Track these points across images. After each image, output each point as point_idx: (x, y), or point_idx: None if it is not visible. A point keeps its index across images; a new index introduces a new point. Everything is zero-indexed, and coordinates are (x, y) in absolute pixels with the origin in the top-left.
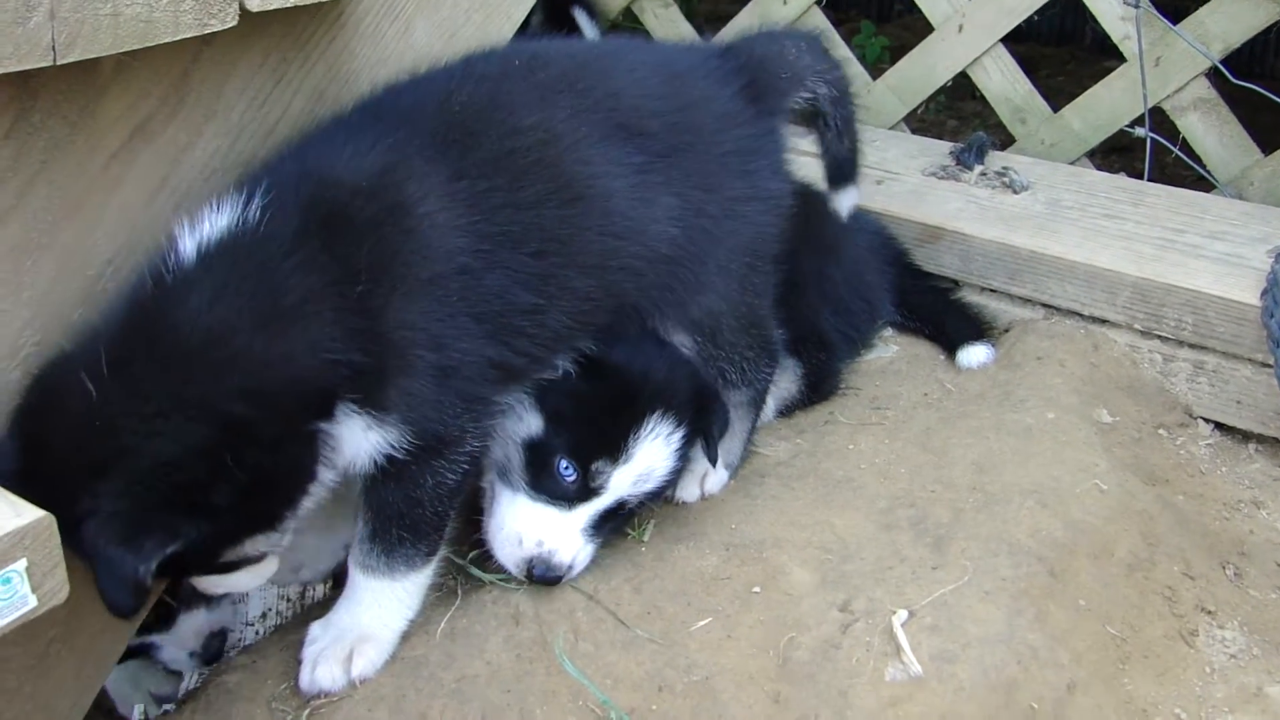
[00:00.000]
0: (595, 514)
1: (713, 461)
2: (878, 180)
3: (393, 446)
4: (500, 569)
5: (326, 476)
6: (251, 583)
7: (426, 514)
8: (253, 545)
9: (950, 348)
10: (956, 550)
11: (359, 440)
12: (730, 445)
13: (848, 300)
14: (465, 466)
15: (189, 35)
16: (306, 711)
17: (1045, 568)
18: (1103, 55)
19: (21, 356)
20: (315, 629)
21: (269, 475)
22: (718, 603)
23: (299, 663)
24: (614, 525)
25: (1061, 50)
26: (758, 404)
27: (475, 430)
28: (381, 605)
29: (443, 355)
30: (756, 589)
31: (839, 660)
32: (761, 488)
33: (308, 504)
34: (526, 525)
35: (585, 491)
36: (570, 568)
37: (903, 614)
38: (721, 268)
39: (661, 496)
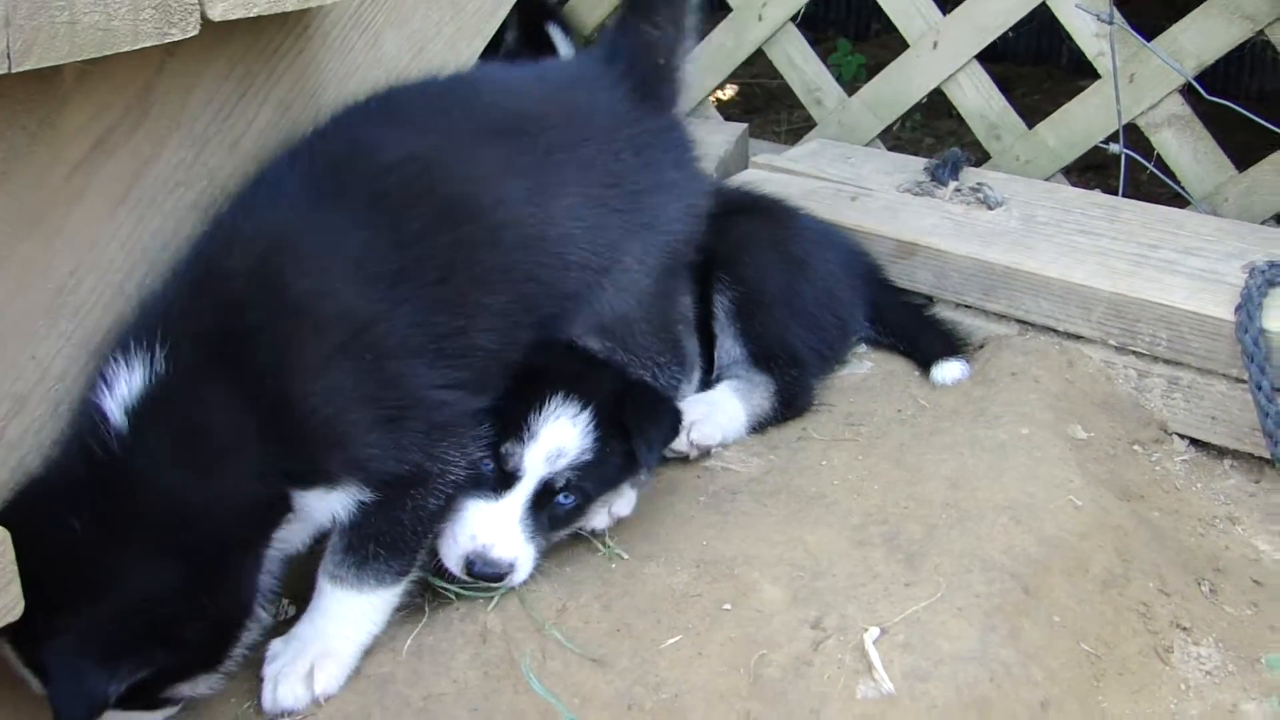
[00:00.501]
0: (525, 501)
1: (641, 460)
2: (852, 196)
3: (356, 500)
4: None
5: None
6: None
7: (406, 534)
8: (191, 686)
9: (925, 364)
10: (930, 567)
11: (319, 505)
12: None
13: (819, 316)
14: (449, 491)
15: (149, 44)
16: None
17: (1019, 584)
18: (1079, 75)
19: None
20: (276, 645)
21: (227, 609)
22: (688, 620)
23: (260, 680)
24: (554, 520)
25: (1038, 70)
26: None
27: (456, 457)
28: (345, 617)
29: (379, 407)
30: (727, 606)
31: (810, 678)
32: (733, 504)
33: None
34: (459, 521)
35: (505, 478)
36: (512, 566)
37: (875, 631)
38: (635, 266)
39: (594, 489)
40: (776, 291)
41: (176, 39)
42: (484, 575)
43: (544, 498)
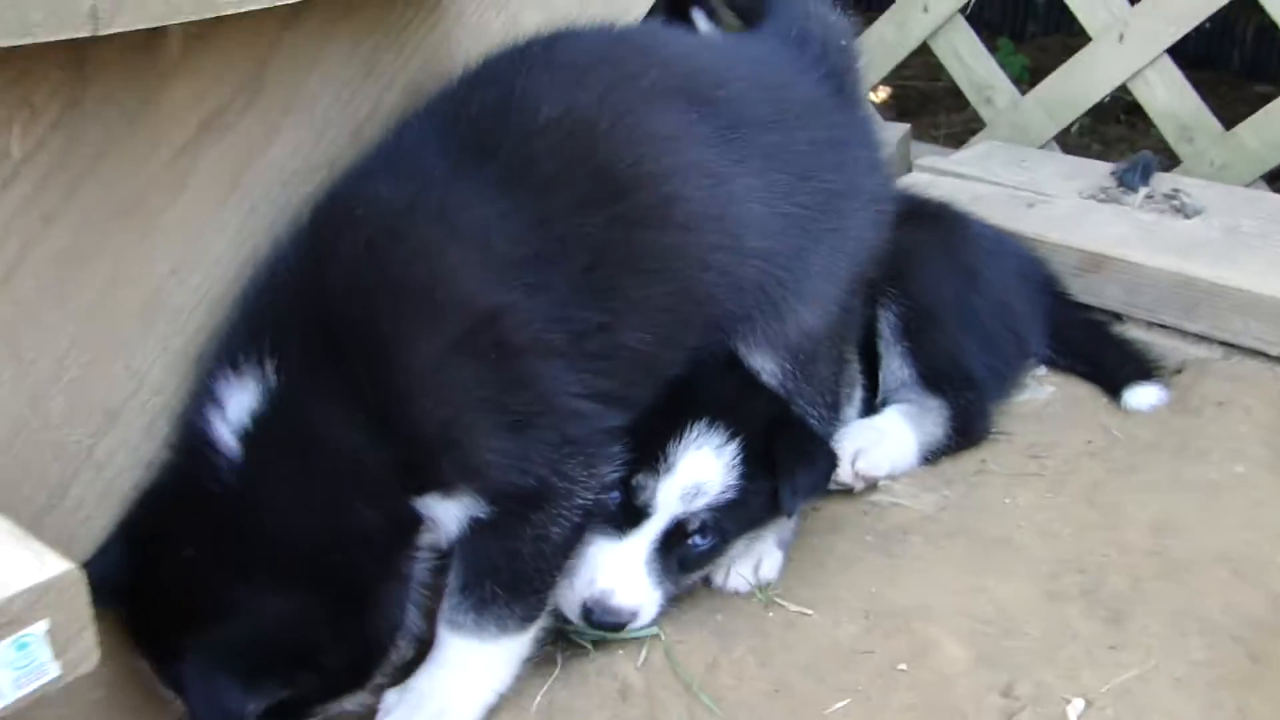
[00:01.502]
0: (653, 541)
1: (785, 506)
2: (1028, 203)
3: (471, 516)
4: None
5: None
6: None
7: (526, 569)
8: (337, 704)
9: (1113, 388)
10: (1137, 627)
11: (437, 510)
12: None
13: (994, 332)
14: (575, 519)
15: (258, 7)
16: None
17: (1244, 650)
18: (1253, 79)
19: (66, 380)
20: (390, 696)
21: (369, 632)
22: (858, 680)
23: None
24: (684, 564)
25: (1206, 74)
26: None
27: (586, 477)
28: (466, 671)
29: (504, 412)
30: (902, 666)
31: None
32: (904, 546)
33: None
34: (579, 562)
35: (633, 513)
36: (634, 614)
37: (1078, 704)
38: (823, 273)
39: (734, 530)
40: (948, 305)
41: (290, 1)
42: (604, 624)
43: (675, 538)
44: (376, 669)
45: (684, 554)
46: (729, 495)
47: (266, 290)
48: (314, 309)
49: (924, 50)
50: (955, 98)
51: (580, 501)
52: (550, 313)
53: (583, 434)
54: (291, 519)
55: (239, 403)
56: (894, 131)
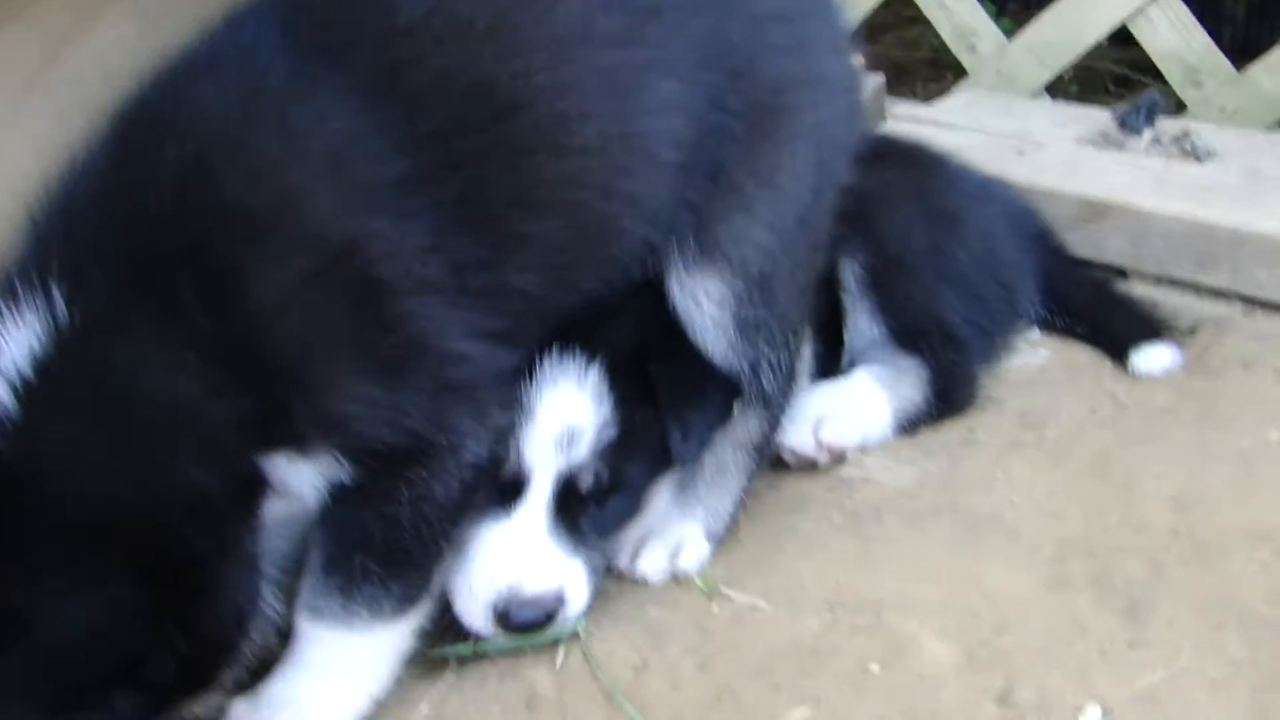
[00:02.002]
0: (547, 509)
1: (676, 452)
2: (1018, 150)
3: (332, 480)
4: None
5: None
6: None
7: (405, 539)
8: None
9: (1118, 350)
10: (1161, 620)
11: (289, 474)
12: (716, 501)
13: (978, 283)
14: (465, 477)
15: None
16: None
17: None
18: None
19: None
20: (239, 707)
21: (208, 627)
22: (819, 687)
23: None
24: (602, 525)
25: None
26: (763, 448)
27: (474, 428)
28: (331, 669)
29: (365, 354)
30: (874, 667)
31: None
32: (878, 527)
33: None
34: (471, 561)
35: (510, 486)
36: (558, 597)
37: (1093, 712)
38: (774, 180)
39: (641, 474)
40: (921, 252)
41: None
42: (526, 623)
43: (572, 500)
44: (222, 669)
45: (593, 516)
46: (612, 431)
47: (59, 211)
48: (124, 232)
49: (900, 21)
50: (932, 68)
51: (470, 458)
52: (421, 243)
53: (467, 378)
54: (87, 493)
55: (16, 345)
56: (867, 82)
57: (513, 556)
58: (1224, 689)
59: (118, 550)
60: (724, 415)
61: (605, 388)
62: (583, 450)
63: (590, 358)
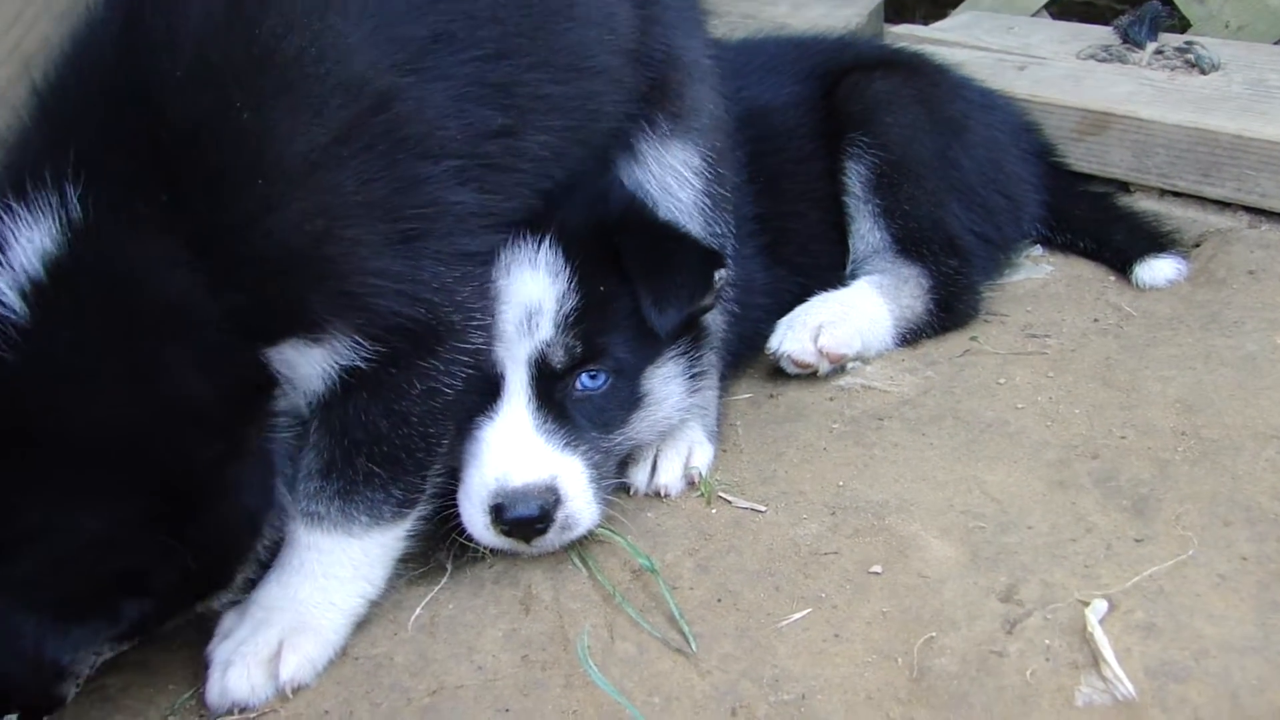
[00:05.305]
0: (526, 398)
1: (652, 323)
2: (1019, 66)
3: (346, 366)
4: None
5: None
6: None
7: (413, 437)
8: (205, 606)
9: (1122, 264)
10: (1169, 516)
11: (298, 362)
12: (701, 399)
13: (983, 192)
14: (467, 369)
15: None
16: None
17: None
18: None
19: None
20: (230, 617)
21: (222, 528)
22: (820, 588)
23: (206, 664)
24: (597, 415)
25: None
26: (729, 342)
27: (479, 309)
28: (328, 573)
29: (391, 219)
30: (876, 569)
31: (1004, 673)
32: (879, 434)
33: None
34: (468, 467)
35: (487, 383)
36: (553, 489)
37: (1100, 605)
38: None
39: (622, 352)
40: (927, 158)
41: None
42: (523, 520)
43: (554, 384)
44: (239, 566)
45: (583, 403)
46: (577, 304)
47: (69, 84)
48: (141, 102)
49: None
50: (932, 5)
51: (474, 343)
52: (446, 106)
53: (475, 249)
54: (90, 405)
55: (26, 244)
56: (862, 5)
57: (500, 450)
58: (1230, 582)
59: (119, 463)
60: (703, 284)
61: (560, 262)
62: (546, 327)
63: (539, 236)
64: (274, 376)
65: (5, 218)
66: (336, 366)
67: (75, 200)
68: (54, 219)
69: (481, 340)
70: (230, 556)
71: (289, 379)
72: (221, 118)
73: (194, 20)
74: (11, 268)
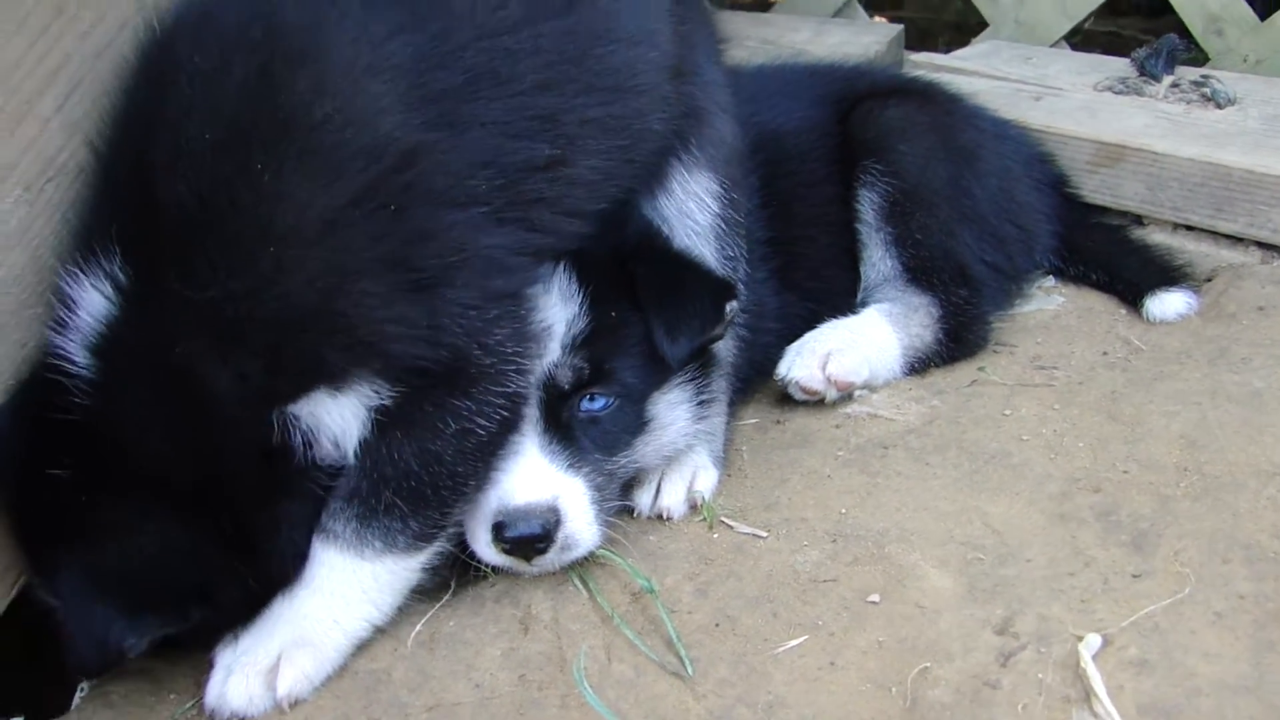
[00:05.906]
0: (534, 420)
1: (663, 352)
2: (1035, 96)
3: (372, 409)
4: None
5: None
6: None
7: (442, 476)
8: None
9: (1133, 297)
10: (1167, 553)
11: (326, 413)
12: (709, 425)
13: (995, 222)
14: (504, 412)
15: None
16: None
17: None
18: None
19: None
20: (224, 654)
21: (269, 560)
22: (817, 615)
23: (210, 667)
24: (601, 437)
25: None
26: (740, 368)
27: (515, 352)
28: (336, 592)
29: (403, 269)
30: (874, 598)
31: (997, 706)
32: (884, 462)
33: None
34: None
35: None
36: (554, 509)
37: (1094, 640)
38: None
39: (630, 377)
40: (939, 187)
41: None
42: (524, 539)
43: (560, 405)
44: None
45: (589, 425)
46: (586, 327)
47: (116, 148)
48: (168, 170)
49: None
50: (956, 32)
51: (510, 386)
52: (481, 151)
53: (514, 288)
54: (154, 451)
55: (89, 309)
56: (883, 33)
57: (504, 470)
58: (1226, 620)
59: (190, 494)
60: (715, 315)
61: (573, 287)
62: (554, 349)
63: (554, 260)
64: (303, 426)
65: (72, 282)
66: (365, 411)
67: (119, 264)
68: (108, 284)
69: (519, 383)
70: (280, 581)
71: (313, 430)
72: (242, 181)
73: (229, 87)
74: (80, 330)
